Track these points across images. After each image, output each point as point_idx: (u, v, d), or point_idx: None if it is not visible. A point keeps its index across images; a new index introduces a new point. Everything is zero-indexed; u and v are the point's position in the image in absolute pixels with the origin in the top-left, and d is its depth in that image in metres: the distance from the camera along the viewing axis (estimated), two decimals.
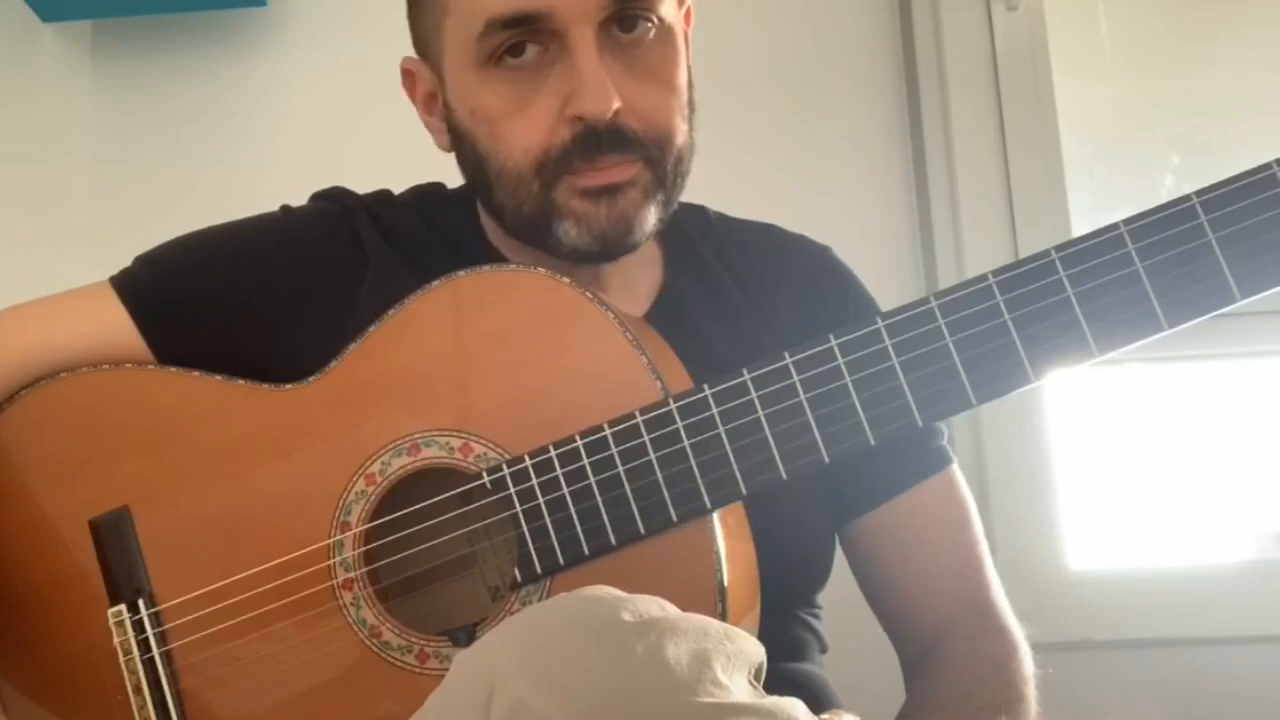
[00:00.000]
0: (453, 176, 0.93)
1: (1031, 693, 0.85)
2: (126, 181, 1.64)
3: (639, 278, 0.93)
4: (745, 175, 1.57)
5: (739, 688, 0.57)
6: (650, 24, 0.82)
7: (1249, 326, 1.51)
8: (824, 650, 0.94)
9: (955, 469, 0.94)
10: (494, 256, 0.93)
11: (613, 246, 0.84)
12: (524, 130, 0.82)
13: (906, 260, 1.59)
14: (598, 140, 0.80)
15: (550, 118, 0.81)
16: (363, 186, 0.98)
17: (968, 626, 0.89)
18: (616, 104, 0.79)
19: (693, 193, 0.99)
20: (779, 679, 0.63)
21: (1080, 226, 1.53)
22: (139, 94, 1.67)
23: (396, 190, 0.99)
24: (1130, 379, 1.57)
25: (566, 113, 0.80)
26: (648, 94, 0.82)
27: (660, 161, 0.83)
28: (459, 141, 0.88)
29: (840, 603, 0.97)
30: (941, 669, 0.87)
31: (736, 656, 0.59)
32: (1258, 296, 0.68)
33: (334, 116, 1.65)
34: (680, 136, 0.85)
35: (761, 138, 1.62)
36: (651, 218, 0.84)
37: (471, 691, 0.57)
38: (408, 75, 0.92)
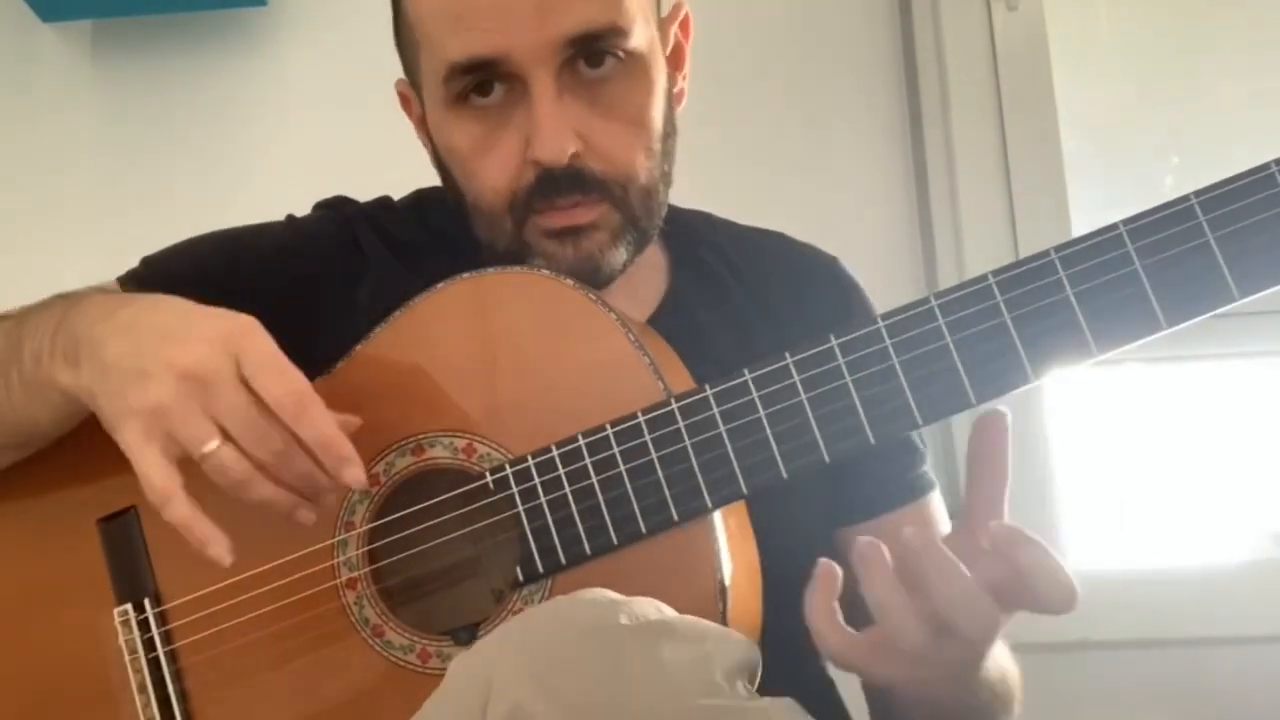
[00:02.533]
0: None
1: (1018, 696, 0.86)
2: (127, 181, 1.65)
3: (643, 282, 0.93)
4: (746, 175, 1.57)
5: (736, 690, 0.58)
6: (617, 59, 0.82)
7: (1249, 326, 1.51)
8: None
9: (935, 496, 0.95)
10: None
11: (586, 281, 0.83)
12: (494, 171, 0.83)
13: (906, 260, 1.59)
14: (555, 184, 0.81)
15: (515, 159, 0.82)
16: (362, 185, 0.98)
17: None
18: (571, 149, 0.79)
19: (693, 193, 1.00)
20: (782, 678, 0.63)
21: (1080, 226, 1.53)
22: (139, 94, 1.67)
23: (397, 192, 0.99)
24: (1130, 379, 1.57)
25: (527, 156, 0.81)
26: (609, 133, 0.82)
27: (625, 201, 0.84)
28: (441, 170, 0.90)
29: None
30: None
31: (733, 659, 0.59)
32: (1256, 296, 0.68)
33: (334, 116, 1.65)
34: (644, 175, 0.84)
35: (762, 138, 1.62)
36: (622, 255, 0.85)
37: (468, 696, 0.57)
38: (403, 98, 0.93)
